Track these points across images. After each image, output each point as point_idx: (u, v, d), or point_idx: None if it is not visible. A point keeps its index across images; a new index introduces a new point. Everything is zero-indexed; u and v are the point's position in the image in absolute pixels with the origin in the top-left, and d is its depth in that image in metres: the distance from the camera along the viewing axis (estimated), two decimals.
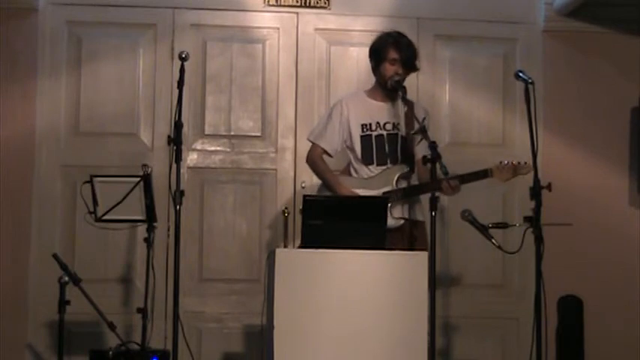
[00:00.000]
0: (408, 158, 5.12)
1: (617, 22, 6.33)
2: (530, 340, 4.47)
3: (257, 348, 5.66)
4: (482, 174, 5.02)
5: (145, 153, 6.08)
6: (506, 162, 5.02)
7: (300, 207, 4.62)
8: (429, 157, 4.59)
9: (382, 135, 5.14)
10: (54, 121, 6.09)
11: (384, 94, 5.19)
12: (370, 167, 5.14)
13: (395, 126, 5.14)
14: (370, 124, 5.15)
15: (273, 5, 6.26)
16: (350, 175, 5.19)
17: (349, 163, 5.24)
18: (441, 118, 6.26)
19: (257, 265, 6.07)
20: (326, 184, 5.17)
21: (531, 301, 4.60)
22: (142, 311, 5.06)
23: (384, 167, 5.11)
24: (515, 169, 5.02)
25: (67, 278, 5.00)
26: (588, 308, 6.09)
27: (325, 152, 5.22)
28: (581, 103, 6.35)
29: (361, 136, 5.15)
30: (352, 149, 5.18)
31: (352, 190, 5.05)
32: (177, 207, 4.76)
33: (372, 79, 5.25)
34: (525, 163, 4.98)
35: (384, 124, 5.15)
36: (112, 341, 5.34)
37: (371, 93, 5.25)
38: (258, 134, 6.21)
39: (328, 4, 6.29)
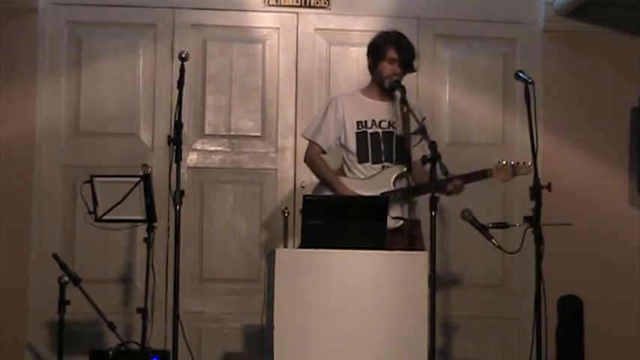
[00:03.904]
0: (403, 157, 5.11)
1: (617, 22, 6.32)
2: (530, 340, 4.47)
3: (257, 348, 5.66)
4: (482, 174, 5.01)
5: (145, 153, 6.09)
6: (504, 162, 5.03)
7: (300, 207, 4.61)
8: (428, 157, 4.59)
9: (377, 133, 5.13)
10: (54, 121, 6.08)
11: (380, 92, 5.17)
12: (365, 165, 5.11)
13: (390, 124, 5.13)
14: (366, 122, 5.13)
15: (273, 5, 6.26)
16: (344, 174, 5.18)
17: (343, 163, 5.22)
18: (441, 118, 6.26)
19: (257, 265, 6.07)
20: (326, 184, 5.15)
21: (531, 301, 4.60)
22: (142, 311, 5.06)
23: (379, 165, 5.10)
24: (515, 170, 5.02)
25: (67, 278, 5.00)
26: (588, 308, 6.09)
27: (321, 150, 5.22)
28: (581, 103, 6.34)
29: (356, 133, 5.13)
30: (346, 147, 5.15)
31: (352, 190, 5.04)
32: (177, 207, 4.75)
33: (370, 78, 5.25)
34: (524, 163, 4.98)
35: (380, 121, 5.13)
36: (112, 341, 5.34)
37: (366, 91, 5.24)
38: (258, 134, 6.21)
39: (328, 4, 6.29)
